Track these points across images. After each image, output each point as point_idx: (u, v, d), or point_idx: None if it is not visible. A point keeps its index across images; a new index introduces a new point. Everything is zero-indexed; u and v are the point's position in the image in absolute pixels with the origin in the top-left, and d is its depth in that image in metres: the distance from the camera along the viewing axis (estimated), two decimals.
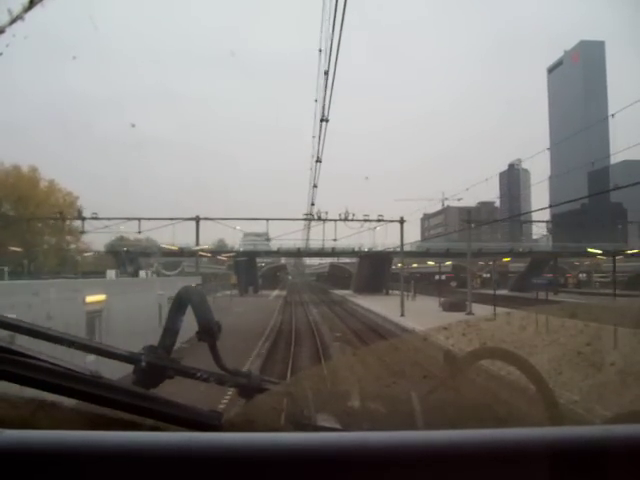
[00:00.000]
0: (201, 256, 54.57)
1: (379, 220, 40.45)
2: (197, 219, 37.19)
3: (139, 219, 38.22)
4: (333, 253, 61.18)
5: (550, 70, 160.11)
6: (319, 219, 39.29)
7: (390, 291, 59.54)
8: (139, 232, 38.31)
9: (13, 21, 5.08)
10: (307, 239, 47.73)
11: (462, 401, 1.21)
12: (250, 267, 61.42)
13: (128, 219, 40.66)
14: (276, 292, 68.97)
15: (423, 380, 1.25)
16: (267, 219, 41.18)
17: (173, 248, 51.30)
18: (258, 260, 78.43)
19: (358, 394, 1.13)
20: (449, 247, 64.30)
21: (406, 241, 53.19)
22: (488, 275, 71.94)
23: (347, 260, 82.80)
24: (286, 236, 42.53)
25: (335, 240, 41.78)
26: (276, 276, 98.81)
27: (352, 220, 39.94)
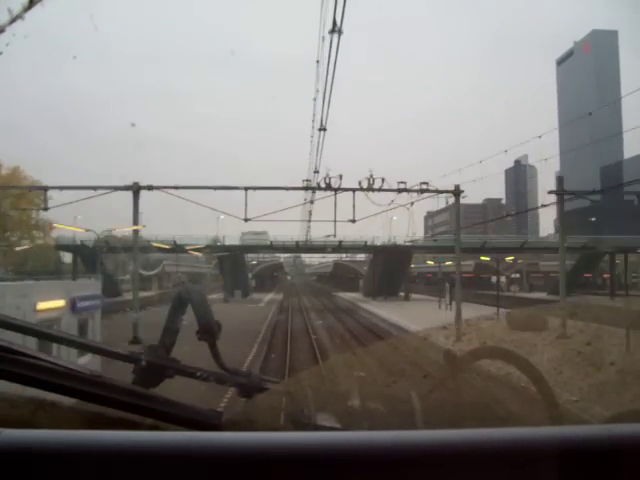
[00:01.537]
0: (173, 252, 47.75)
1: (422, 190, 24.92)
2: (136, 188, 23.87)
3: (45, 189, 27.00)
4: (340, 248, 48.18)
5: (559, 62, 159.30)
6: (328, 188, 24.54)
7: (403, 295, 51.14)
8: (46, 209, 27.01)
9: (13, 20, 5.14)
10: (308, 220, 30.31)
11: (462, 401, 1.24)
12: (237, 266, 50.78)
13: (30, 189, 30.27)
14: (270, 295, 60.83)
15: (423, 379, 1.29)
16: (246, 188, 25.16)
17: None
18: (253, 258, 71.17)
19: (358, 393, 1.16)
20: (486, 240, 52.69)
21: (412, 239, 47.39)
22: (517, 275, 65.13)
23: (341, 256, 73.56)
24: (280, 216, 25.92)
25: (354, 221, 25.96)
26: (272, 276, 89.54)
27: (380, 190, 24.61)
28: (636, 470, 0.79)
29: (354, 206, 25.93)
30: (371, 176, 25.14)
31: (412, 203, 26.57)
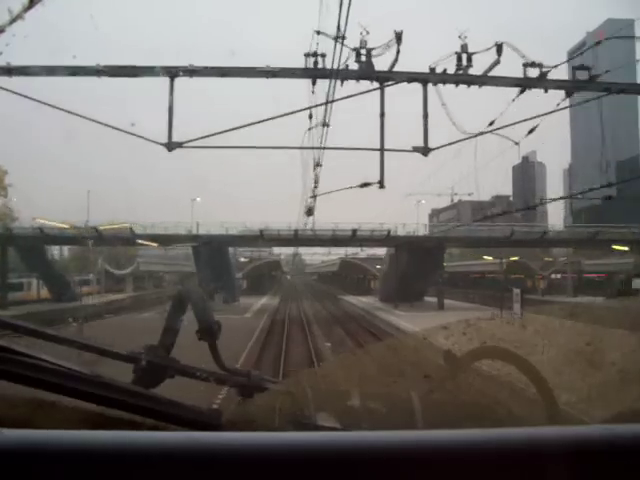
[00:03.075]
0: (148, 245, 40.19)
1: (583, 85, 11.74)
2: None
3: None
4: (355, 239, 38.73)
5: (570, 54, 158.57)
6: (366, 76, 11.49)
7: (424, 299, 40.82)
8: None
9: (13, 20, 5.21)
10: (320, 148, 14.22)
11: (462, 401, 1.29)
12: (218, 262, 39.02)
13: None
14: (264, 300, 49.66)
15: (423, 380, 1.33)
16: (171, 76, 12.06)
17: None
18: (246, 256, 62.76)
19: (358, 393, 1.20)
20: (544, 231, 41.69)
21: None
22: (558, 276, 56.76)
23: (346, 253, 65.51)
24: (252, 138, 14.99)
25: (426, 152, 12.48)
26: (268, 277, 76.50)
27: (485, 80, 11.58)
28: (636, 470, 0.82)
29: (426, 116, 11.83)
30: (464, 47, 11.35)
31: (525, 134, 11.99)
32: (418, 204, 45.09)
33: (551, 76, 12.71)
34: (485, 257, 52.10)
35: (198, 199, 42.82)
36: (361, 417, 1.18)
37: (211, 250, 38.05)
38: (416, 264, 37.97)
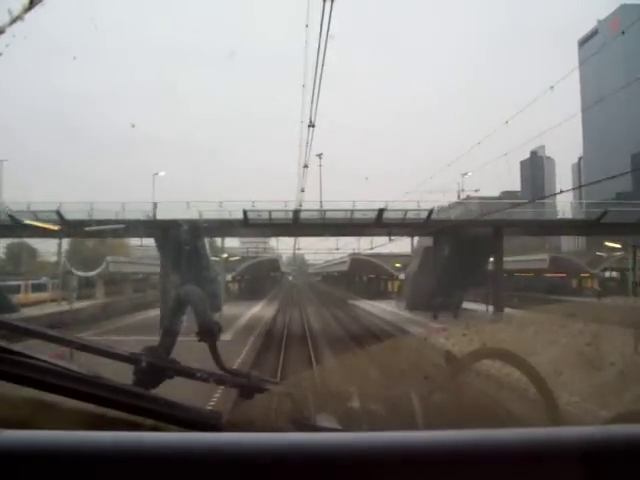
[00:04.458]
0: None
1: None
2: None
3: None
4: (380, 224, 28.03)
5: (581, 42, 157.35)
6: None
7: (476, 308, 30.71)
8: None
9: (13, 21, 5.29)
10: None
11: (462, 402, 1.32)
12: (192, 259, 26.79)
13: None
14: (257, 309, 39.08)
15: (423, 381, 1.36)
16: None
17: None
18: (238, 253, 52.80)
19: (358, 395, 1.24)
20: None
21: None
22: (612, 274, 49.39)
23: (354, 249, 49.72)
24: None
25: None
26: (266, 277, 64.56)
27: None
28: (635, 470, 0.85)
29: None
30: None
31: None
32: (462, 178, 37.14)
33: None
34: (607, 244, 43.17)
35: (162, 173, 31.78)
36: (361, 418, 1.21)
37: (179, 242, 27.33)
38: (465, 258, 28.12)
